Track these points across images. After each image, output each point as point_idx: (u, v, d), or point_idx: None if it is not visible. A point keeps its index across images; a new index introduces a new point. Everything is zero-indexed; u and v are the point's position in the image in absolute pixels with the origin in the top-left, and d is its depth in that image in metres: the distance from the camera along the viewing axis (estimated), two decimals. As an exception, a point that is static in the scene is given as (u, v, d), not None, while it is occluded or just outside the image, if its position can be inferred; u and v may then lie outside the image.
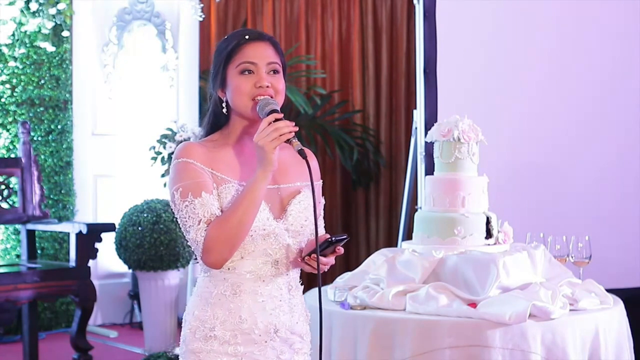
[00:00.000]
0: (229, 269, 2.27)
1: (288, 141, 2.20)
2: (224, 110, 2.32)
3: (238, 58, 2.28)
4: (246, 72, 2.28)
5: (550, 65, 5.15)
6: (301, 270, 2.39)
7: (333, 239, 2.23)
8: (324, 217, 2.46)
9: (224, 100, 2.32)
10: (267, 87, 2.27)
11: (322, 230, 2.41)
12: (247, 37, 2.30)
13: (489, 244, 3.83)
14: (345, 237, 2.26)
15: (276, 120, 2.19)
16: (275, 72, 2.30)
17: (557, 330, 3.39)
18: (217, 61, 2.32)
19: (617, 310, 3.65)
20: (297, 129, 2.21)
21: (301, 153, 2.21)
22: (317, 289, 4.12)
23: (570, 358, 3.38)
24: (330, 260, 2.29)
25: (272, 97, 2.27)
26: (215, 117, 2.36)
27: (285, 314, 2.32)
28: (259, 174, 2.21)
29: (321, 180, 2.44)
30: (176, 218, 2.29)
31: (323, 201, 2.45)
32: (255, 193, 2.20)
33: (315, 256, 2.24)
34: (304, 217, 2.32)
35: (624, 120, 5.23)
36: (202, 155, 2.26)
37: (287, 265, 2.32)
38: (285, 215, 2.31)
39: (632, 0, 5.23)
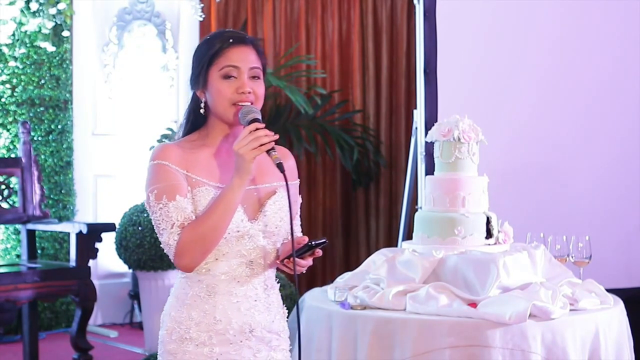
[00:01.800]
0: (204, 270, 2.29)
1: (268, 152, 2.22)
2: (202, 111, 2.34)
3: (221, 61, 2.30)
4: (228, 77, 2.29)
5: (551, 65, 5.14)
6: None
7: (313, 243, 2.26)
8: (301, 216, 2.51)
9: (203, 101, 2.33)
10: (249, 93, 2.28)
11: (298, 229, 2.44)
12: (231, 40, 2.31)
13: (489, 244, 3.83)
14: (324, 241, 2.28)
15: (257, 129, 2.21)
16: (257, 77, 2.32)
17: (557, 330, 3.39)
18: (199, 62, 2.33)
19: (617, 310, 3.66)
20: (277, 137, 2.23)
21: (280, 167, 2.22)
22: (316, 289, 4.13)
23: (570, 358, 3.38)
24: (308, 262, 2.32)
25: (252, 103, 2.29)
26: (195, 117, 2.37)
27: (260, 313, 2.33)
28: (235, 181, 2.22)
29: (298, 180, 2.48)
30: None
31: (300, 200, 2.48)
32: (231, 200, 2.22)
33: (295, 259, 2.26)
34: (279, 217, 2.34)
35: (624, 120, 5.23)
36: (177, 157, 2.28)
37: (262, 265, 2.33)
38: (260, 216, 2.32)
39: (632, 0, 5.23)
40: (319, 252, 2.30)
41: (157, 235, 2.28)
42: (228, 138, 2.33)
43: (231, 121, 2.30)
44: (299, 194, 2.50)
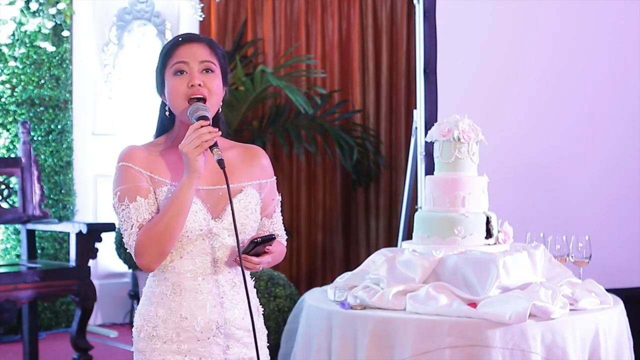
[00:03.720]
0: (169, 268, 2.33)
1: (210, 149, 2.24)
2: (167, 114, 2.37)
3: (172, 60, 2.33)
4: (179, 73, 2.31)
5: (551, 65, 5.15)
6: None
7: (259, 239, 2.29)
8: (282, 212, 2.52)
9: (167, 104, 2.36)
10: (200, 85, 2.30)
11: (279, 227, 2.47)
12: (180, 39, 2.35)
13: (489, 244, 3.83)
14: (271, 236, 2.31)
15: (202, 127, 2.23)
16: (209, 70, 2.33)
17: (557, 330, 3.39)
18: (156, 66, 2.38)
19: (617, 310, 3.66)
20: (219, 133, 2.26)
21: (220, 163, 2.23)
22: (316, 289, 4.13)
23: (570, 358, 3.38)
24: (263, 259, 2.33)
25: (205, 97, 2.30)
26: (161, 122, 2.41)
27: (227, 310, 2.34)
28: (184, 180, 2.25)
29: (274, 177, 2.48)
30: None
31: (279, 197, 2.50)
32: (182, 199, 2.24)
33: (246, 256, 2.29)
34: (244, 215, 2.34)
35: (624, 120, 5.23)
36: (142, 159, 2.32)
37: (228, 263, 2.35)
38: (224, 214, 2.34)
39: (632, 0, 5.23)
40: (270, 250, 2.34)
41: (122, 235, 2.31)
42: None
43: (187, 118, 2.31)
44: (278, 191, 2.50)
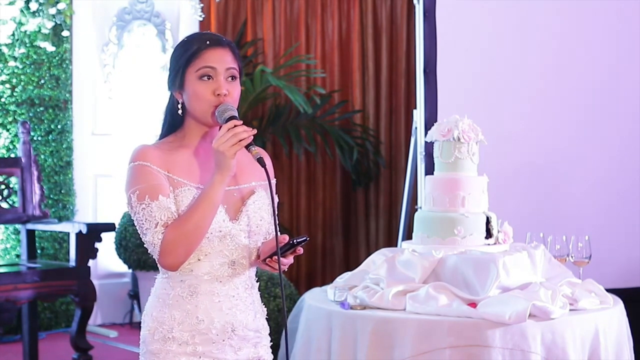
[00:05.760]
0: (186, 271, 2.31)
1: (247, 148, 2.24)
2: (180, 112, 2.35)
3: (198, 62, 2.31)
4: (205, 78, 2.31)
5: (551, 65, 5.15)
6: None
7: (294, 241, 2.28)
8: (277, 215, 2.51)
9: (180, 102, 2.34)
10: (225, 95, 2.30)
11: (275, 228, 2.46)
12: (208, 42, 2.33)
13: (489, 244, 3.83)
14: (305, 238, 2.31)
15: (235, 126, 2.23)
16: (233, 78, 2.34)
17: (557, 330, 3.39)
18: (176, 63, 2.35)
19: (617, 310, 3.66)
20: (255, 132, 2.25)
21: (260, 162, 2.24)
22: (316, 289, 4.13)
23: (570, 358, 3.38)
24: (290, 260, 2.34)
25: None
26: (171, 117, 2.38)
27: (242, 312, 2.35)
28: (217, 178, 2.24)
29: (275, 179, 2.48)
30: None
31: (276, 199, 2.49)
32: (213, 197, 2.23)
33: (276, 257, 2.28)
34: (259, 217, 2.35)
35: (624, 120, 5.23)
36: (157, 158, 2.29)
37: (243, 265, 2.35)
38: (241, 215, 2.34)
39: (632, 1, 5.23)
40: (300, 250, 2.33)
41: (141, 235, 2.29)
42: (205, 138, 2.34)
43: (208, 122, 2.31)
44: (276, 193, 2.51)
